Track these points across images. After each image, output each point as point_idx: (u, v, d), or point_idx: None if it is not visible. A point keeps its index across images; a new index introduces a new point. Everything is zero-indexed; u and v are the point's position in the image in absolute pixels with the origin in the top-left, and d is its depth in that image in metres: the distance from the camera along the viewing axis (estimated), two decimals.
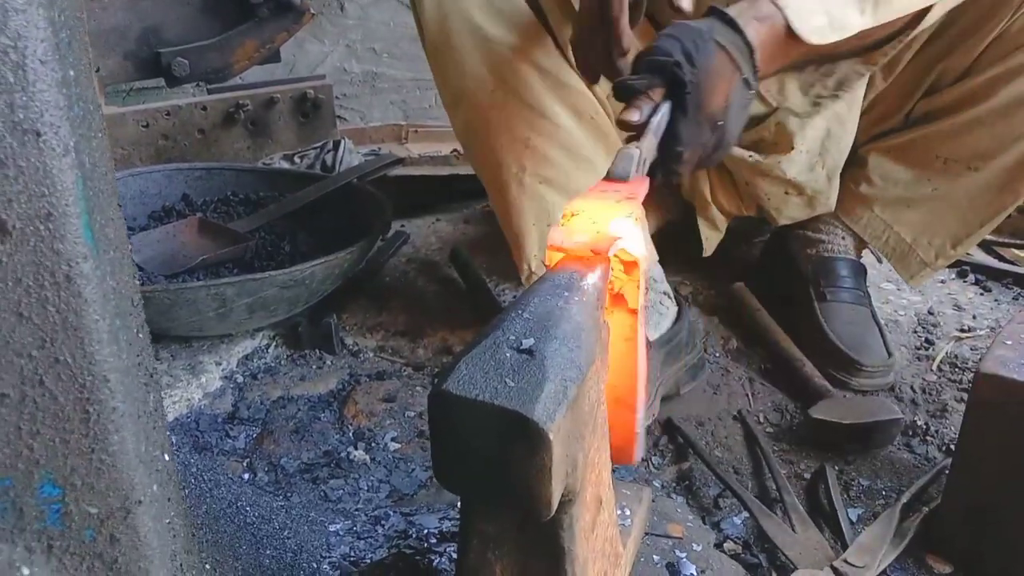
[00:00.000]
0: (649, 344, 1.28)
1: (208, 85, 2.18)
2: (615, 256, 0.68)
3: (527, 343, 0.56)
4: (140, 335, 0.48)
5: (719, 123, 0.98)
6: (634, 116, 0.92)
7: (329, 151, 2.10)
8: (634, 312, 0.72)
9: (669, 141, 0.94)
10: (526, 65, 1.24)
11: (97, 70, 1.82)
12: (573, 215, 0.70)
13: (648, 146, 0.89)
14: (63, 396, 0.43)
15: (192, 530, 0.61)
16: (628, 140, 0.92)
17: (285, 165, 2.07)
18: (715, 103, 0.96)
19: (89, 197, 0.41)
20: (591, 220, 0.69)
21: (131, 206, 1.74)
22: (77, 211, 0.41)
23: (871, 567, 0.96)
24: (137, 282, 0.50)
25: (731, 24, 0.97)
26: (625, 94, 0.95)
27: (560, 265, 0.65)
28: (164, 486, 0.49)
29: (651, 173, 0.90)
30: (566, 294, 0.61)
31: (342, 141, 2.13)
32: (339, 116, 2.51)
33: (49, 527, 0.44)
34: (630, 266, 0.71)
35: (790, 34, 1.00)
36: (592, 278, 0.64)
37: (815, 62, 1.31)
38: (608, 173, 0.82)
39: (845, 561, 0.97)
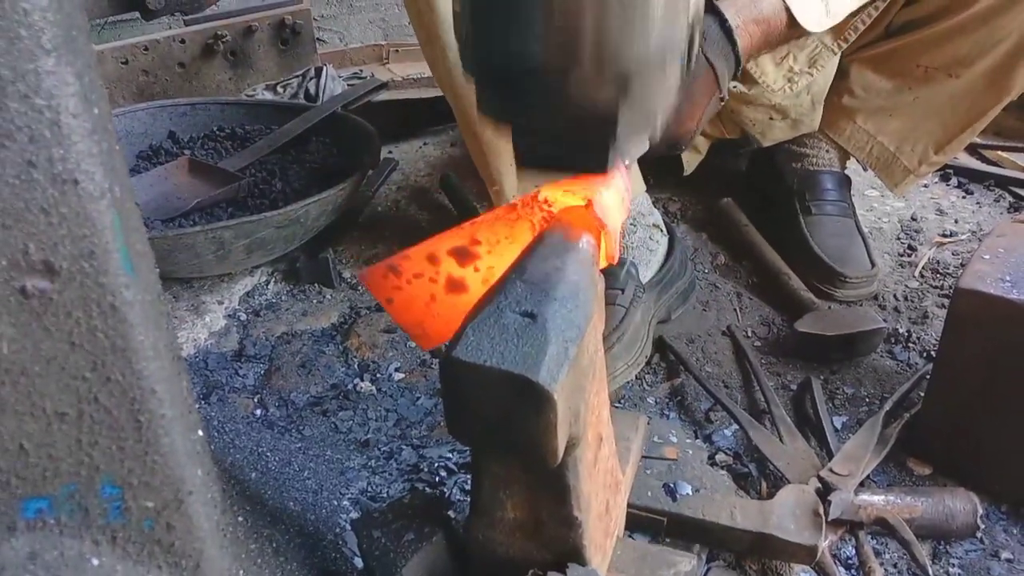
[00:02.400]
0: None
1: (184, 16, 2.14)
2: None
3: (528, 307, 0.60)
4: (168, 327, 0.52)
5: (681, 142, 1.01)
6: None
7: (312, 79, 2.09)
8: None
9: None
10: None
11: None
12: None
13: None
14: (116, 410, 0.47)
15: (223, 486, 0.66)
16: None
17: (269, 96, 2.06)
18: (684, 126, 0.98)
19: (124, 229, 0.44)
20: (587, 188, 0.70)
21: None
22: (116, 246, 0.44)
23: (855, 475, 1.02)
24: (158, 275, 0.53)
25: (728, 33, 0.97)
26: None
27: (553, 227, 0.68)
28: (204, 465, 0.54)
29: None
30: (562, 254, 0.65)
31: (324, 68, 2.11)
32: (318, 38, 2.48)
33: (112, 522, 0.49)
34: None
35: (791, 26, 1.03)
36: (586, 236, 0.67)
37: None
38: None
39: (831, 471, 1.02)
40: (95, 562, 0.48)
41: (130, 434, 0.48)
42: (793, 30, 1.05)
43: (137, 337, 0.46)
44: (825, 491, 0.99)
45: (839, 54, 1.37)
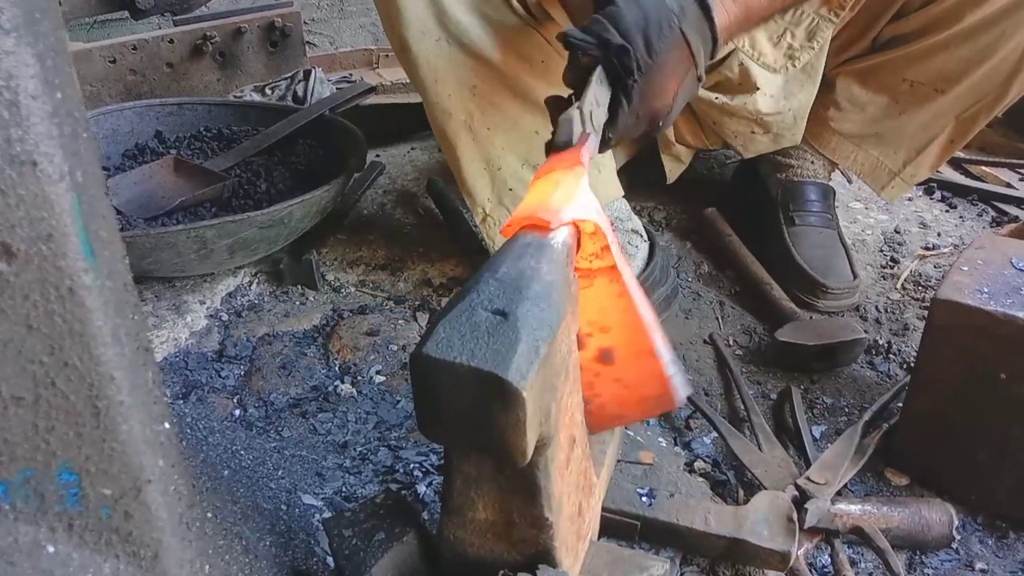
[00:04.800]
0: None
1: (174, 16, 2.14)
2: (576, 224, 0.70)
3: (500, 305, 0.60)
4: (135, 317, 0.51)
5: (659, 119, 0.98)
6: (568, 76, 0.91)
7: (300, 81, 2.09)
8: (615, 268, 0.74)
9: (605, 127, 0.92)
10: (469, 12, 1.22)
11: (60, 3, 1.78)
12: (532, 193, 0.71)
13: (591, 99, 0.86)
14: (74, 395, 0.47)
15: (192, 481, 0.65)
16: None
17: (256, 98, 2.05)
18: (661, 100, 0.95)
19: (84, 212, 0.44)
20: (542, 194, 0.70)
21: (104, 145, 1.74)
22: (75, 229, 0.44)
23: (833, 483, 1.02)
24: (128, 265, 0.53)
25: (705, 10, 0.95)
26: (566, 45, 0.92)
27: (527, 228, 0.68)
28: (168, 456, 0.54)
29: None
30: (536, 254, 0.65)
31: (313, 71, 2.10)
32: (308, 42, 2.48)
33: (69, 508, 0.49)
34: (593, 233, 0.73)
35: None
36: (560, 236, 0.67)
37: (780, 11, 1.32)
38: (551, 144, 0.81)
39: (808, 479, 1.02)
40: (51, 549, 0.48)
41: (87, 420, 0.47)
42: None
43: (96, 322, 0.46)
44: (802, 499, 0.99)
45: (838, 23, 1.36)
